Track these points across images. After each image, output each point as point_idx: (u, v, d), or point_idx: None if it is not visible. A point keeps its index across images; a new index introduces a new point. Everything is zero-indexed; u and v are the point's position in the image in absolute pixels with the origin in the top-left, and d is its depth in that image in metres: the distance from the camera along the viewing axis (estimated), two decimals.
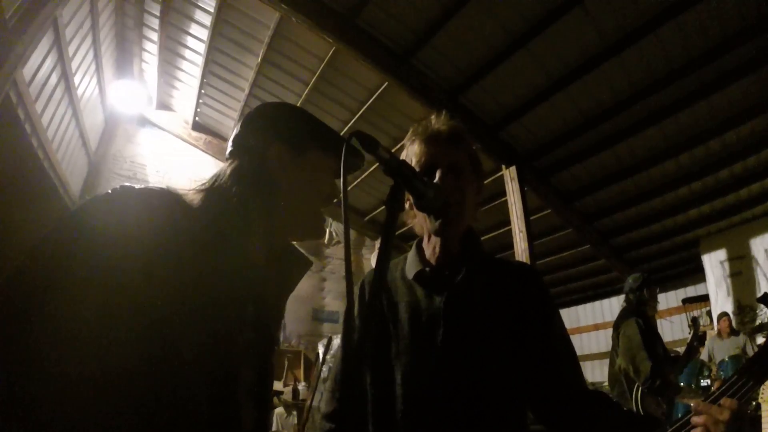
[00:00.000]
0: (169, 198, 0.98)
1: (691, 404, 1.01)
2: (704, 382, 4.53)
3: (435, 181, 1.24)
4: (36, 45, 3.86)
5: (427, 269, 1.31)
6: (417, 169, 1.26)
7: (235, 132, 1.14)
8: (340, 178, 1.15)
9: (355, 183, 7.42)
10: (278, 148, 1.08)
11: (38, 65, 4.41)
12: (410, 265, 1.35)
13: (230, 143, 1.13)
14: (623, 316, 3.87)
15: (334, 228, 8.14)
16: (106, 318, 0.78)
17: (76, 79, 5.32)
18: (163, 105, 7.56)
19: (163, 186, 1.01)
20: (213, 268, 0.93)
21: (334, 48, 5.19)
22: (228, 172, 1.06)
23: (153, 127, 7.43)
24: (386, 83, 5.41)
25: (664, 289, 8.66)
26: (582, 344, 9.61)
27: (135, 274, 0.82)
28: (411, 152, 1.33)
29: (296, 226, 1.11)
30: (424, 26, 4.59)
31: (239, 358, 0.97)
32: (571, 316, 10.24)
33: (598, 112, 5.20)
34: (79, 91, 5.53)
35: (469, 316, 1.23)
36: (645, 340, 3.53)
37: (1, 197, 4.34)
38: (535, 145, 5.86)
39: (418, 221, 1.36)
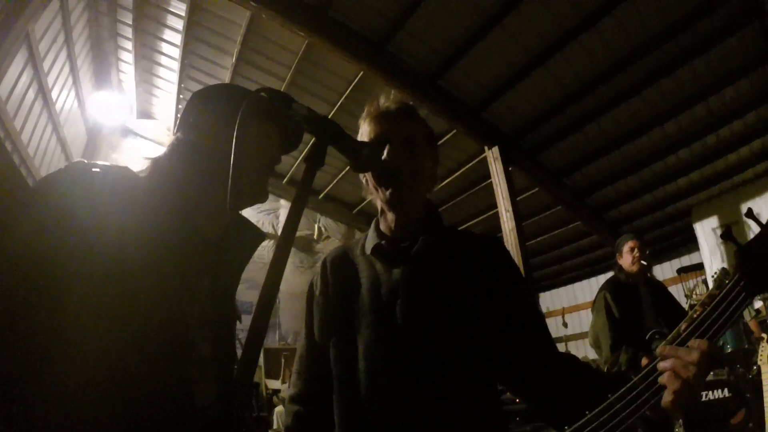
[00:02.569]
0: (118, 174, 1.00)
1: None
2: None
3: (384, 155, 1.21)
4: (10, 62, 3.83)
5: (384, 242, 1.30)
6: None
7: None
8: (281, 147, 1.16)
9: (340, 175, 7.44)
10: (210, 120, 1.11)
11: (14, 82, 4.37)
12: (369, 240, 1.34)
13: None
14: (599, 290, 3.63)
15: (323, 223, 8.13)
16: (64, 296, 0.81)
17: (54, 94, 5.28)
18: (145, 113, 7.52)
19: (114, 164, 1.03)
20: (161, 241, 0.95)
21: (307, 41, 5.16)
22: (168, 148, 1.11)
23: (136, 136, 7.40)
24: (362, 72, 5.38)
25: (659, 261, 8.68)
26: (581, 322, 9.58)
27: (86, 251, 0.84)
28: (363, 132, 1.33)
29: (238, 193, 1.11)
30: (397, 11, 4.56)
31: (194, 331, 0.97)
32: (569, 295, 10.29)
33: (580, 86, 5.18)
34: (58, 105, 5.50)
35: (428, 287, 1.21)
36: (616, 314, 3.30)
37: None
38: (519, 123, 5.83)
39: (375, 195, 1.34)
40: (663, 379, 0.88)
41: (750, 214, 1.06)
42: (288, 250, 0.79)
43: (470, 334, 1.16)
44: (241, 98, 1.12)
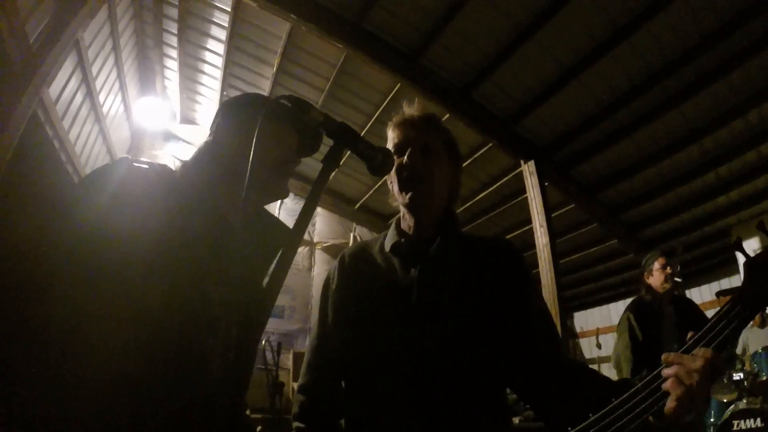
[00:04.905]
0: (159, 171, 1.12)
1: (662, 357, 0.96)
2: (737, 376, 4.23)
3: (404, 159, 1.30)
4: (60, 66, 4.06)
5: (403, 240, 1.34)
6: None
7: None
8: (298, 149, 1.25)
9: (376, 186, 7.50)
10: (230, 125, 1.22)
11: (63, 85, 4.60)
12: (389, 238, 1.39)
13: None
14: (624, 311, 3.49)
15: (358, 232, 8.21)
16: (99, 272, 0.90)
17: (101, 98, 5.53)
18: (187, 119, 7.76)
19: (155, 162, 1.16)
20: (191, 230, 1.04)
21: (345, 53, 5.28)
22: (198, 151, 1.22)
23: (178, 140, 7.62)
24: (399, 85, 5.45)
25: (697, 283, 8.36)
26: None
27: (127, 240, 0.94)
28: (388, 138, 1.40)
29: (259, 190, 1.21)
30: (430, 25, 4.63)
31: (216, 311, 1.04)
32: (603, 315, 9.95)
33: (614, 99, 5.09)
34: (105, 109, 5.76)
35: (442, 287, 1.24)
36: (639, 336, 3.16)
37: (32, 211, 4.54)
38: (552, 137, 5.77)
39: (397, 200, 1.39)
40: (666, 385, 0.90)
41: (762, 226, 1.05)
42: (300, 238, 0.86)
43: (478, 334, 1.19)
44: (260, 105, 1.24)
